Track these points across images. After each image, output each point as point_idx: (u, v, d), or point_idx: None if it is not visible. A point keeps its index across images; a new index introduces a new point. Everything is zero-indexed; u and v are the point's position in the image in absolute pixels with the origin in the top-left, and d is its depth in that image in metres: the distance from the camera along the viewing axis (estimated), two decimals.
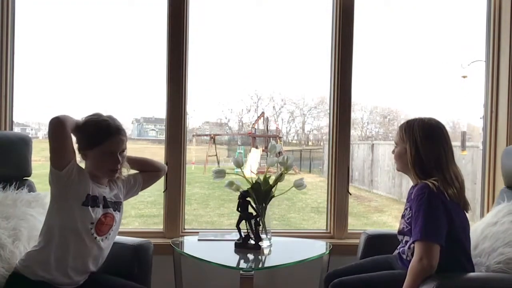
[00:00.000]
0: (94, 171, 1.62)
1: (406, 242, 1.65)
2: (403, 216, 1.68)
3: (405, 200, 1.73)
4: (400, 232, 1.69)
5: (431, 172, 1.57)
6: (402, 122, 1.73)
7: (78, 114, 1.61)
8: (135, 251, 1.81)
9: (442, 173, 1.56)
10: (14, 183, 1.89)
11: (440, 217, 1.49)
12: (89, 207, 1.56)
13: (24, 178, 2.01)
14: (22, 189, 1.89)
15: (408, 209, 1.61)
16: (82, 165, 1.63)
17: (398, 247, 1.72)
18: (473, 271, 1.59)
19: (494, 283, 1.50)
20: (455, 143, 7.21)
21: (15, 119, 2.36)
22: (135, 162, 1.83)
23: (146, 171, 1.86)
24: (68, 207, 1.54)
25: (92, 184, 1.60)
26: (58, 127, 1.52)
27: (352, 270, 1.79)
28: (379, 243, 1.94)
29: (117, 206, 1.68)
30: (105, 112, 1.64)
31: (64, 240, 1.53)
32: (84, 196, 1.56)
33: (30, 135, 2.18)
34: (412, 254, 1.54)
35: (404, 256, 1.64)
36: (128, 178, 1.79)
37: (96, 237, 1.58)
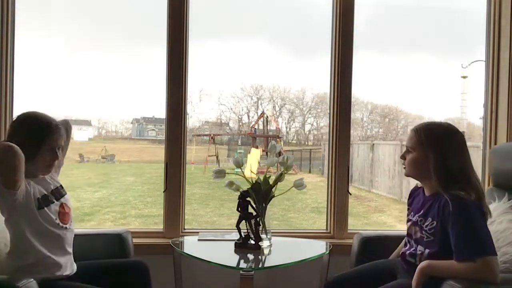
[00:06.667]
0: (33, 168, 1.60)
1: (420, 250, 1.56)
2: (415, 224, 1.58)
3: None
4: (416, 240, 1.58)
5: (457, 180, 1.48)
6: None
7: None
8: (113, 241, 1.94)
9: (468, 180, 1.48)
10: None
11: (487, 229, 1.42)
12: (45, 208, 1.58)
13: None
14: None
15: (431, 220, 1.52)
16: None
17: (404, 249, 1.63)
18: None
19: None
20: None
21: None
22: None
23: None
24: (28, 217, 1.54)
25: (34, 185, 1.58)
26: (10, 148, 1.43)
27: (352, 278, 1.75)
28: (375, 246, 1.91)
29: (63, 190, 1.72)
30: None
31: (42, 242, 1.55)
32: (36, 202, 1.55)
33: None
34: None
35: (413, 261, 1.56)
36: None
37: (66, 227, 1.64)
